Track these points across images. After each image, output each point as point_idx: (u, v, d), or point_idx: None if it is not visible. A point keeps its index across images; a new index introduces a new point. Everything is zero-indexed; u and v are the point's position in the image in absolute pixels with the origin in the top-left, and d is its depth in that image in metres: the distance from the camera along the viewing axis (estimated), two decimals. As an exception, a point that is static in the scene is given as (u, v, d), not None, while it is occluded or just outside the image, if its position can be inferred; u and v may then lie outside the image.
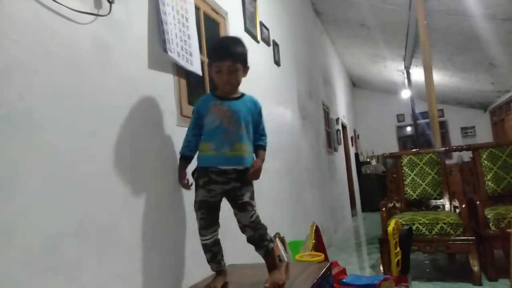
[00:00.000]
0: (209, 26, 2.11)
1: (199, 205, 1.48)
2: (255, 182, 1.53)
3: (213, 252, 1.50)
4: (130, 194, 1.32)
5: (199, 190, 1.48)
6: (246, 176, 1.47)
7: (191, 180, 1.57)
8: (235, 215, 1.48)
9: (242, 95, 1.55)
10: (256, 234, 1.46)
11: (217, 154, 1.45)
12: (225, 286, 1.51)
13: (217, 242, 1.51)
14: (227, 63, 1.44)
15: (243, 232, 1.48)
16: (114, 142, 1.28)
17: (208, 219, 1.47)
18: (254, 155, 1.54)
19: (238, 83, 1.51)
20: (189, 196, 1.69)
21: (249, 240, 1.48)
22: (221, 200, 1.51)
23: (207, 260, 1.52)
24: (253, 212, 1.46)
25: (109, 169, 1.24)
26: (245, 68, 1.52)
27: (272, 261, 1.50)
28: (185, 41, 1.69)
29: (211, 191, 1.46)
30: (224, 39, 1.56)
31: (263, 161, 1.53)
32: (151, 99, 1.51)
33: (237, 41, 1.52)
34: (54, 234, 1.01)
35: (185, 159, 1.56)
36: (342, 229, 5.82)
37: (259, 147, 1.57)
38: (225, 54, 1.45)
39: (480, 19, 4.71)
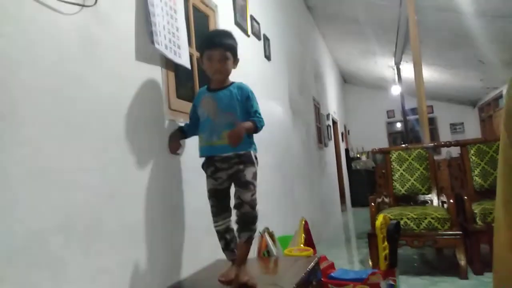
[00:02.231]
0: (199, 19, 2.09)
1: (210, 194, 1.57)
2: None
3: (226, 239, 1.55)
4: (117, 188, 1.30)
5: (208, 179, 1.57)
6: (248, 159, 1.52)
7: (181, 149, 1.67)
8: (236, 193, 1.51)
9: (231, 83, 1.59)
10: (253, 213, 1.49)
11: (207, 145, 1.53)
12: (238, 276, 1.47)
13: (229, 229, 1.56)
14: (218, 51, 1.51)
15: (238, 209, 1.49)
16: (100, 136, 1.25)
17: (219, 206, 1.56)
18: (251, 140, 1.57)
19: (228, 72, 1.57)
20: (177, 191, 1.68)
21: (242, 218, 1.48)
22: (229, 186, 1.57)
23: (222, 248, 1.57)
24: (254, 192, 1.52)
25: (95, 164, 1.22)
26: (235, 59, 1.58)
27: (246, 253, 1.50)
28: (173, 33, 1.67)
29: (218, 179, 1.54)
30: (215, 31, 1.63)
31: (243, 127, 1.46)
32: (139, 93, 1.49)
33: (228, 34, 1.59)
34: (38, 229, 0.99)
35: (181, 130, 1.67)
36: (331, 224, 5.85)
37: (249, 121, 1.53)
38: (217, 43, 1.52)
39: (470, 16, 4.75)
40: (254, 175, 1.53)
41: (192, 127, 1.66)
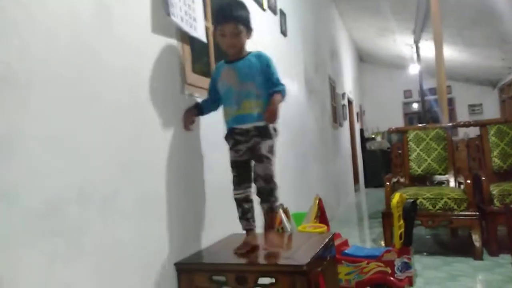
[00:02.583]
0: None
1: (232, 165, 1.61)
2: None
3: (244, 208, 1.58)
4: (133, 160, 1.31)
5: (230, 152, 1.61)
6: (265, 131, 1.53)
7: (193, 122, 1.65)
8: (254, 166, 1.56)
9: (249, 53, 1.59)
10: (267, 186, 1.53)
11: (232, 116, 1.55)
12: (257, 247, 1.55)
13: (248, 199, 1.60)
14: (230, 26, 1.50)
15: (255, 183, 1.56)
16: (116, 108, 1.25)
17: (239, 176, 1.59)
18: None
19: (242, 45, 1.56)
20: (192, 161, 1.68)
21: (259, 191, 1.55)
22: (250, 158, 1.58)
23: (239, 217, 1.60)
24: (269, 165, 1.53)
25: (110, 135, 1.22)
26: (249, 30, 1.56)
27: (272, 220, 1.59)
28: (189, 5, 1.64)
29: (238, 151, 1.57)
30: (226, 3, 1.58)
31: (275, 103, 1.50)
32: (155, 65, 1.47)
33: (238, 4, 1.56)
34: (55, 198, 1.00)
35: (197, 107, 1.66)
36: (344, 203, 5.85)
37: (273, 94, 1.52)
38: (228, 17, 1.50)
39: (495, -9, 4.55)
40: (270, 148, 1.55)
41: (210, 103, 1.67)
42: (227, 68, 1.58)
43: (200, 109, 1.66)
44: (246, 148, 1.55)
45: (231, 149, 1.60)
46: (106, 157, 1.19)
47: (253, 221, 1.61)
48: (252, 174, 1.57)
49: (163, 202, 1.46)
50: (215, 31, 1.57)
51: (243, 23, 1.52)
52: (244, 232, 1.61)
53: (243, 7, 1.55)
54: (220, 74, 1.60)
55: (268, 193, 1.54)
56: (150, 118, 1.42)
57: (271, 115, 1.48)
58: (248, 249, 1.52)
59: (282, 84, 1.56)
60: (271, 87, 1.54)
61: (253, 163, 1.58)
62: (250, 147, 1.54)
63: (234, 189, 1.60)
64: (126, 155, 1.28)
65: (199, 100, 1.72)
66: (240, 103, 1.52)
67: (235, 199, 1.60)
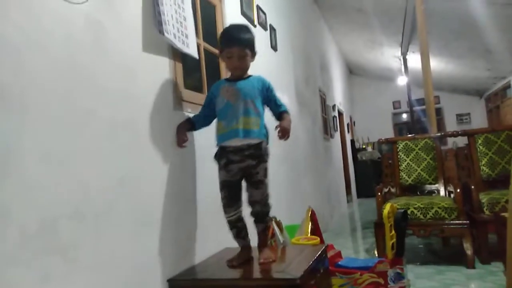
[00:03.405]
0: (205, 8, 2.08)
1: (222, 185, 1.61)
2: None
3: (238, 228, 1.61)
4: (127, 176, 1.32)
5: (221, 171, 1.61)
6: (259, 153, 1.56)
7: (186, 140, 1.67)
8: (247, 190, 1.59)
9: (250, 76, 1.67)
10: (264, 209, 1.60)
11: (228, 130, 1.56)
12: (250, 260, 1.61)
13: (240, 219, 1.62)
14: (237, 49, 1.57)
15: (251, 206, 1.59)
16: (110, 123, 1.27)
17: (230, 198, 1.59)
18: (265, 131, 1.63)
19: (247, 67, 1.64)
20: (188, 174, 1.69)
21: (254, 214, 1.59)
22: (241, 179, 1.61)
23: (233, 236, 1.63)
24: (266, 189, 1.59)
25: (105, 150, 1.23)
26: (253, 53, 1.65)
27: (265, 238, 1.64)
28: (181, 22, 1.67)
29: (230, 171, 1.58)
30: (233, 27, 1.69)
31: (288, 121, 1.62)
32: (147, 82, 1.50)
33: (245, 28, 1.65)
34: (51, 214, 1.01)
35: (190, 122, 1.67)
36: (337, 214, 5.86)
37: (281, 114, 1.66)
38: (235, 41, 1.58)
39: (478, 4, 4.68)
40: (265, 172, 1.59)
41: (202, 118, 1.68)
42: (228, 85, 1.62)
43: (192, 124, 1.67)
44: (239, 169, 1.57)
45: (222, 168, 1.59)
46: (100, 174, 1.20)
47: (248, 236, 1.64)
48: (246, 195, 1.60)
49: (157, 218, 1.46)
50: (221, 53, 1.65)
51: (249, 47, 1.60)
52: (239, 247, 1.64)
53: (249, 31, 1.64)
54: (220, 90, 1.63)
55: (263, 216, 1.60)
56: (143, 133, 1.44)
57: (285, 131, 1.57)
58: (241, 261, 1.55)
59: (284, 105, 1.69)
60: (275, 108, 1.66)
61: (244, 184, 1.61)
62: (243, 168, 1.56)
63: (226, 211, 1.60)
64: (119, 171, 1.29)
65: (191, 115, 1.74)
66: (238, 118, 1.55)
67: (228, 221, 1.61)
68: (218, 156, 1.62)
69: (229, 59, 1.60)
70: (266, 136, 1.63)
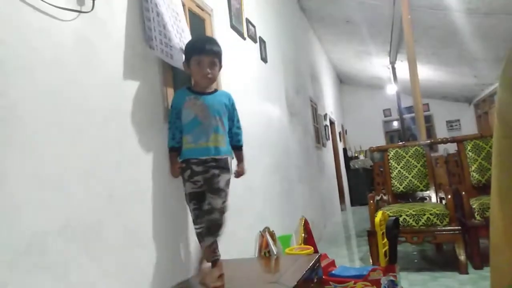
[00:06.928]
0: (195, 23, 2.11)
1: (190, 197, 1.57)
2: (245, 179, 1.56)
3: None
4: (117, 191, 1.32)
5: (186, 183, 1.58)
6: (224, 165, 1.57)
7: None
8: (207, 198, 1.54)
9: (215, 90, 1.68)
10: (221, 220, 1.54)
11: (195, 147, 1.56)
12: (221, 277, 1.52)
13: None
14: (208, 56, 1.57)
15: (208, 214, 1.53)
16: (100, 140, 1.27)
17: (200, 209, 1.55)
18: (230, 147, 1.67)
19: (215, 77, 1.65)
20: (177, 191, 1.69)
21: (209, 224, 1.52)
22: (206, 190, 1.58)
23: (202, 249, 1.58)
24: (225, 199, 1.57)
25: (94, 167, 1.23)
26: (221, 66, 1.66)
27: (208, 256, 1.55)
28: (164, 34, 1.69)
29: (196, 182, 1.56)
30: (204, 37, 1.73)
31: (244, 165, 1.75)
32: (137, 96, 1.51)
33: (216, 41, 1.67)
34: (39, 232, 1.00)
35: (175, 150, 1.63)
36: (331, 223, 5.87)
37: (236, 148, 1.72)
38: (208, 49, 1.58)
39: (462, 14, 4.79)
40: (227, 183, 1.59)
41: (179, 136, 1.61)
42: (193, 98, 1.59)
43: (176, 150, 1.63)
44: (204, 179, 1.55)
45: (187, 180, 1.56)
46: (90, 189, 1.20)
47: (218, 250, 1.57)
48: (205, 206, 1.53)
49: (148, 233, 1.46)
50: (187, 61, 1.60)
51: (219, 59, 1.62)
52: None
53: (219, 44, 1.65)
54: (184, 101, 1.58)
55: (218, 227, 1.53)
56: (133, 148, 1.44)
57: (242, 172, 1.75)
58: (222, 283, 1.48)
59: (241, 130, 1.74)
60: (233, 129, 1.70)
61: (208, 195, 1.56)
62: (208, 178, 1.54)
63: (195, 223, 1.55)
64: (110, 186, 1.29)
65: (170, 138, 1.63)
66: (208, 136, 1.55)
67: (198, 233, 1.55)
68: (181, 168, 1.59)
69: (199, 66, 1.56)
70: (231, 152, 1.68)
